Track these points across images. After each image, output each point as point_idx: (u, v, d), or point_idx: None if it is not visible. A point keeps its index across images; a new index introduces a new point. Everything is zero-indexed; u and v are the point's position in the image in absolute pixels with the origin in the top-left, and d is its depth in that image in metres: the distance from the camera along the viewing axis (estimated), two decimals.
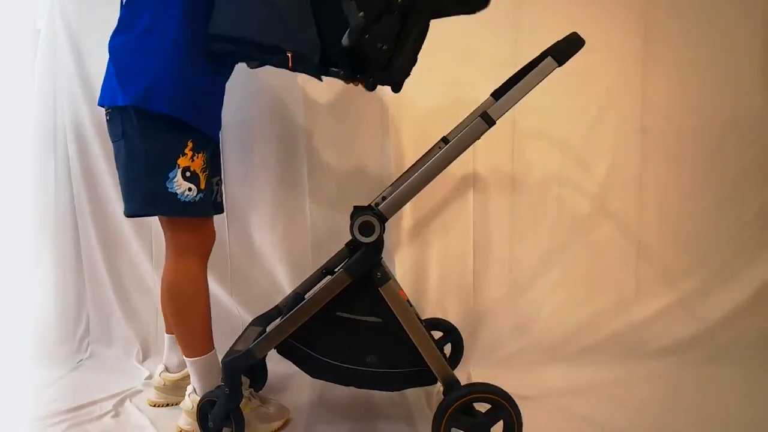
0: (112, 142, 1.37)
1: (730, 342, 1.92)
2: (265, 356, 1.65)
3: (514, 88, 1.22)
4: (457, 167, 1.96)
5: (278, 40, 1.21)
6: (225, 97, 1.48)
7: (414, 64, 1.31)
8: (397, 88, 1.31)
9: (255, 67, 1.52)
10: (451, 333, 1.81)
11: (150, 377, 1.75)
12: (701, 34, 1.95)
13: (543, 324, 1.96)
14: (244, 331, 1.50)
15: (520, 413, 1.24)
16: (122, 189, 1.37)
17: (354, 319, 1.31)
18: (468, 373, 1.80)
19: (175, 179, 1.29)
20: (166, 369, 1.63)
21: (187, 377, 1.54)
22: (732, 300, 1.97)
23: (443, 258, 2.00)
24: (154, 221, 1.94)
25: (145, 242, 2.00)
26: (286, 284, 1.97)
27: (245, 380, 1.55)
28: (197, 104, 1.32)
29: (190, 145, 1.30)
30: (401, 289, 1.54)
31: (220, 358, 1.40)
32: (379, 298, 1.27)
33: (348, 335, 1.32)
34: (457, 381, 1.27)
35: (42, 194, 1.97)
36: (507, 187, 1.98)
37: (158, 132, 1.28)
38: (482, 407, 1.25)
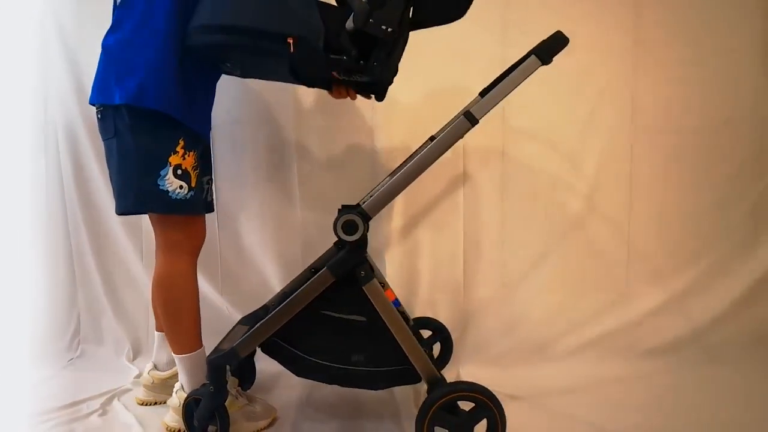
0: (103, 140, 1.38)
1: (722, 342, 1.92)
2: (254, 355, 1.67)
3: (497, 87, 1.23)
4: (448, 167, 1.96)
5: (279, 26, 1.17)
6: (216, 97, 1.48)
7: (396, 73, 1.31)
8: (382, 97, 1.32)
9: (239, 75, 1.46)
10: (440, 332, 1.81)
11: (139, 375, 1.75)
12: (694, 33, 1.95)
13: (533, 324, 1.96)
14: (231, 330, 1.50)
15: (503, 412, 1.23)
16: (114, 187, 1.38)
17: (339, 318, 1.31)
18: (457, 372, 1.80)
19: (167, 177, 1.30)
20: (155, 367, 1.63)
21: (175, 375, 1.55)
22: (724, 300, 1.97)
23: (434, 257, 2.00)
24: (145, 219, 1.95)
25: (136, 241, 2.00)
26: (276, 284, 1.97)
27: (234, 379, 1.55)
28: (189, 102, 1.32)
29: (181, 143, 1.31)
30: (389, 288, 1.55)
31: None
32: (363, 297, 1.27)
33: (333, 334, 1.32)
34: (441, 379, 1.27)
35: (32, 193, 1.97)
36: (498, 187, 1.98)
37: (150, 130, 1.28)
38: (467, 406, 1.25)
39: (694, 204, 2.00)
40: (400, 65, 1.33)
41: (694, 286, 1.98)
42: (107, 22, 1.33)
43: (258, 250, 2.00)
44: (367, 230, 1.27)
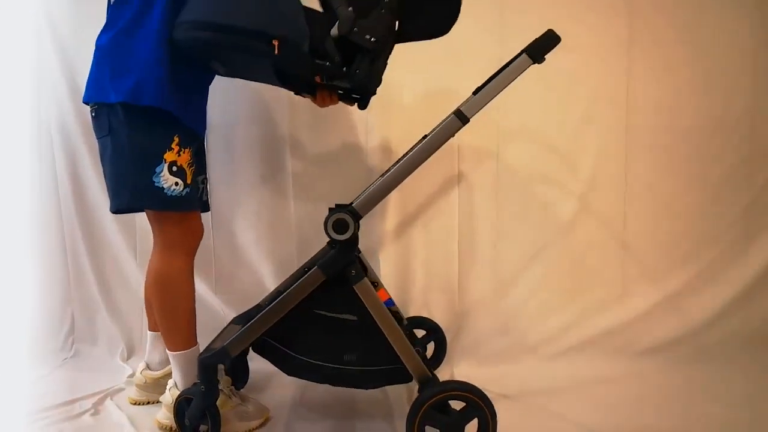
0: (98, 138, 1.38)
1: (716, 341, 1.92)
2: (246, 355, 1.66)
3: (488, 85, 1.23)
4: (443, 167, 1.96)
5: (265, 26, 1.17)
6: (210, 97, 1.48)
7: (379, 84, 1.32)
8: (364, 105, 1.33)
9: (224, 74, 1.45)
10: (434, 332, 1.81)
11: (132, 375, 1.75)
12: (687, 33, 1.95)
13: (527, 323, 1.96)
14: (223, 329, 1.50)
15: (494, 411, 1.23)
16: (108, 185, 1.38)
17: (330, 317, 1.31)
18: (451, 371, 1.80)
19: (162, 174, 1.30)
20: (148, 367, 1.63)
21: (168, 375, 1.55)
22: (717, 299, 1.97)
23: (428, 257, 2.00)
24: (139, 219, 1.95)
25: (130, 240, 2.00)
26: (270, 283, 1.96)
27: (227, 379, 1.55)
28: (184, 99, 1.32)
29: (176, 140, 1.31)
30: (382, 287, 1.55)
31: None
32: (355, 296, 1.27)
33: (325, 333, 1.32)
34: (433, 379, 1.27)
35: (27, 192, 1.97)
36: (492, 187, 1.98)
37: (145, 127, 1.28)
38: (459, 406, 1.25)
39: (687, 204, 2.00)
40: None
41: (688, 286, 1.98)
42: (101, 22, 1.33)
43: (252, 250, 2.00)
44: (358, 229, 1.27)
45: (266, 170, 1.98)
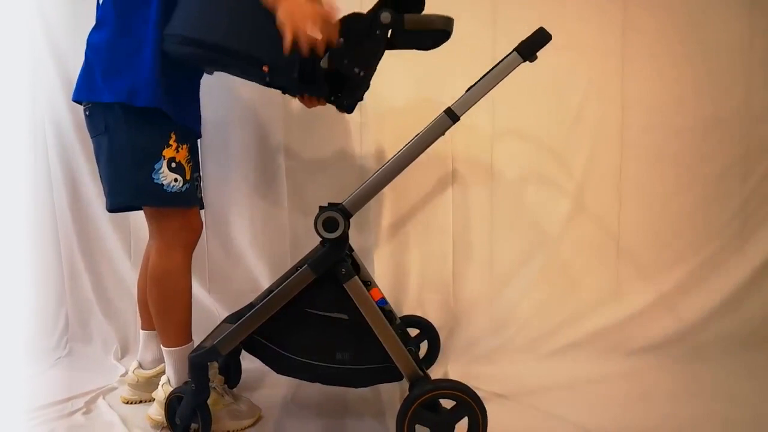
0: (92, 137, 1.38)
1: (711, 340, 1.91)
2: (239, 354, 1.66)
3: (478, 83, 1.22)
4: (437, 166, 1.96)
5: (257, 52, 1.20)
6: (202, 95, 1.49)
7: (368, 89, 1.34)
8: (351, 110, 1.34)
9: (211, 73, 1.48)
10: (428, 331, 1.81)
11: (125, 374, 1.75)
12: (681, 31, 1.94)
13: (522, 322, 1.95)
14: (216, 328, 1.50)
15: (485, 410, 1.22)
16: (105, 184, 1.38)
17: (321, 316, 1.31)
18: (445, 370, 1.80)
19: (161, 170, 1.31)
20: (140, 365, 1.63)
21: (160, 374, 1.54)
22: (712, 298, 1.96)
23: (423, 256, 2.00)
24: (133, 218, 1.95)
25: (125, 240, 2.00)
26: (264, 282, 1.96)
27: (220, 377, 1.55)
28: (177, 98, 1.33)
29: (173, 136, 1.32)
30: (375, 286, 1.54)
31: None
32: (346, 295, 1.27)
33: (316, 332, 1.31)
34: (423, 377, 1.26)
35: (21, 191, 1.97)
36: (486, 186, 1.98)
37: (142, 125, 1.29)
38: (449, 404, 1.24)
39: (682, 203, 1.99)
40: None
41: (683, 285, 1.98)
42: (94, 19, 1.33)
43: (246, 249, 2.00)
44: (348, 227, 1.26)
45: (260, 170, 1.98)
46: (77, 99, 1.37)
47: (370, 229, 1.97)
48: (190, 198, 1.39)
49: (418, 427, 1.23)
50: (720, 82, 1.96)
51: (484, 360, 1.88)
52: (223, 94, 1.90)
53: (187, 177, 1.36)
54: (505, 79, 1.24)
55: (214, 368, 1.50)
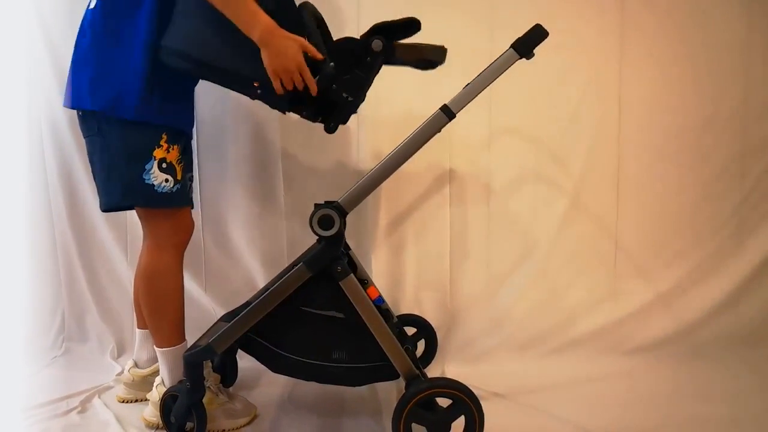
0: (85, 137, 1.39)
1: (709, 339, 1.91)
2: (235, 352, 1.66)
3: (474, 80, 1.22)
4: (434, 165, 1.95)
5: (248, 70, 1.21)
6: (200, 95, 1.48)
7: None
8: (334, 130, 1.35)
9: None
10: (425, 329, 1.80)
11: (121, 373, 1.74)
12: (679, 31, 1.94)
13: (519, 321, 1.95)
14: (211, 327, 1.49)
15: (481, 409, 1.22)
16: (98, 183, 1.39)
17: (317, 314, 1.30)
18: (442, 369, 1.79)
19: (152, 171, 1.31)
20: (135, 365, 1.63)
21: (155, 373, 1.54)
22: (710, 297, 1.96)
23: (420, 254, 1.99)
24: (130, 217, 1.95)
25: (121, 239, 1.99)
26: (261, 281, 1.96)
27: (216, 376, 1.54)
28: (168, 103, 1.33)
29: (164, 137, 1.33)
30: (372, 285, 1.54)
31: None
32: (341, 293, 1.26)
33: (312, 330, 1.31)
34: (419, 376, 1.26)
35: (16, 190, 1.96)
36: (484, 185, 1.97)
37: (133, 127, 1.30)
38: (446, 403, 1.24)
39: (679, 202, 1.99)
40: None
41: (681, 285, 1.97)
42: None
43: (243, 248, 1.99)
44: (344, 225, 1.26)
45: (257, 169, 1.97)
46: (67, 105, 1.38)
47: (367, 228, 1.97)
48: (181, 198, 1.40)
49: (414, 426, 1.23)
50: (718, 81, 1.95)
51: (481, 359, 1.87)
52: (220, 94, 1.89)
53: (178, 177, 1.36)
54: (502, 77, 1.23)
55: (208, 367, 1.49)
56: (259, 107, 1.91)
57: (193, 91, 1.48)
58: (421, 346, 1.79)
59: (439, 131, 1.24)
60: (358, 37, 1.28)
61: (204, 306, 1.97)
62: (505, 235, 1.98)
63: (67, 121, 1.91)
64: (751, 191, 1.99)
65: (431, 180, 1.97)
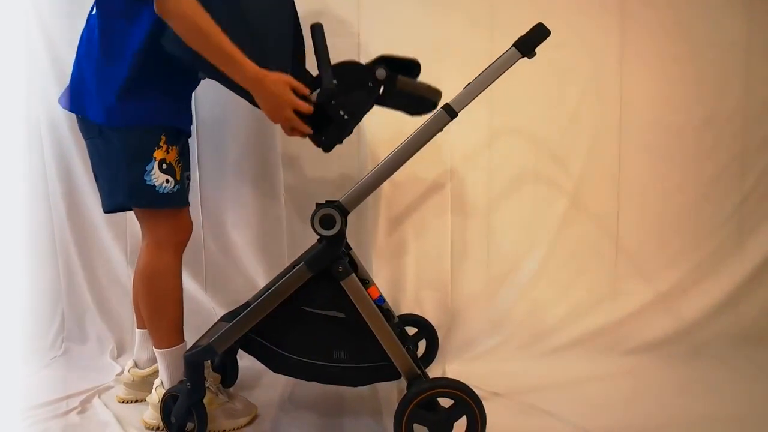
0: (87, 139, 1.40)
1: (709, 339, 1.91)
2: (236, 353, 1.66)
3: (476, 79, 1.22)
4: (435, 164, 1.95)
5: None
6: (200, 94, 1.48)
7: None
8: (329, 149, 1.34)
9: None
10: (425, 329, 1.80)
11: (121, 373, 1.74)
12: (680, 29, 1.94)
13: (520, 320, 1.95)
14: (212, 327, 1.49)
15: (483, 409, 1.22)
16: (101, 185, 1.41)
17: (318, 314, 1.30)
18: (443, 369, 1.79)
19: (153, 172, 1.32)
20: (135, 365, 1.62)
21: (155, 373, 1.53)
22: (711, 297, 1.96)
23: (420, 254, 1.99)
24: (129, 217, 1.94)
25: (120, 239, 1.98)
26: (261, 281, 1.95)
27: (216, 376, 1.54)
28: (165, 107, 1.34)
29: (163, 138, 1.33)
30: (373, 285, 1.53)
31: None
32: (342, 293, 1.26)
33: (312, 330, 1.30)
34: (420, 376, 1.26)
35: (16, 191, 1.96)
36: (484, 184, 1.97)
37: (133, 129, 1.30)
38: (447, 403, 1.23)
39: (680, 202, 1.99)
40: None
41: (681, 284, 1.97)
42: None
43: (243, 248, 1.99)
44: (345, 225, 1.26)
45: (257, 169, 1.97)
46: (66, 108, 1.39)
47: (368, 228, 1.96)
48: (181, 198, 1.41)
49: (416, 426, 1.22)
50: (718, 80, 1.95)
51: (482, 358, 1.87)
52: (220, 94, 1.88)
53: (178, 178, 1.37)
54: (502, 77, 1.23)
55: (207, 367, 1.49)
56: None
57: (191, 90, 1.48)
58: (422, 346, 1.79)
59: (441, 130, 1.24)
60: (364, 63, 1.32)
61: (204, 306, 1.96)
62: (505, 235, 1.98)
63: (66, 120, 1.91)
64: (751, 191, 1.99)
65: (432, 180, 1.97)
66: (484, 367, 1.80)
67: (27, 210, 1.97)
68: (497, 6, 1.89)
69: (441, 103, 1.33)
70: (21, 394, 1.67)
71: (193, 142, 1.91)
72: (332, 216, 1.23)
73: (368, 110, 1.35)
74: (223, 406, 1.45)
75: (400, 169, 1.26)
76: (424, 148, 1.26)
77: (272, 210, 1.98)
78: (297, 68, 1.35)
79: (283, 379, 1.56)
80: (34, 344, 1.95)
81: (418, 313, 1.88)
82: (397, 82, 1.29)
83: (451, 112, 1.22)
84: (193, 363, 1.30)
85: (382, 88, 1.29)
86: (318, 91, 1.26)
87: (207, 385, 1.39)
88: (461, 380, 1.24)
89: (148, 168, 1.31)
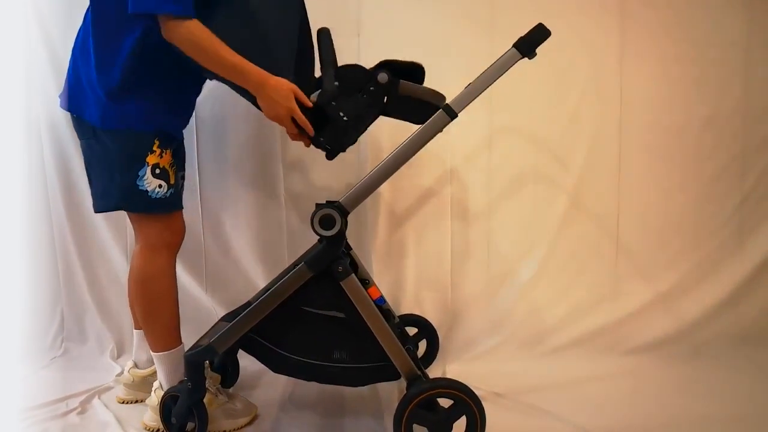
0: (81, 139, 1.39)
1: (708, 339, 1.91)
2: (236, 353, 1.65)
3: (476, 80, 1.22)
4: (435, 164, 1.95)
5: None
6: (201, 96, 1.48)
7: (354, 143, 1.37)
8: (332, 155, 1.35)
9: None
10: (426, 329, 1.80)
11: (121, 373, 1.74)
12: (680, 29, 1.94)
13: (520, 321, 1.95)
14: (212, 327, 1.49)
15: (483, 409, 1.22)
16: (95, 186, 1.40)
17: (318, 314, 1.30)
18: (443, 369, 1.79)
19: (145, 177, 1.32)
20: (135, 365, 1.62)
21: (155, 373, 1.53)
22: (711, 297, 1.96)
23: (421, 254, 1.99)
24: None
25: (120, 239, 1.98)
26: (262, 282, 1.95)
27: (215, 376, 1.54)
28: (159, 111, 1.33)
29: (157, 142, 1.33)
30: (373, 285, 1.54)
31: None
32: (342, 293, 1.26)
33: (312, 330, 1.31)
34: (420, 376, 1.26)
35: (16, 190, 1.95)
36: (484, 184, 1.97)
37: (126, 133, 1.31)
38: (447, 403, 1.24)
39: (681, 201, 1.99)
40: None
41: (681, 284, 1.98)
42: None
43: (244, 249, 1.99)
44: (345, 225, 1.26)
45: (257, 169, 1.97)
46: (63, 108, 1.38)
47: (368, 228, 1.96)
48: (174, 203, 1.41)
49: (415, 426, 1.22)
50: (718, 80, 1.95)
51: (483, 358, 1.87)
52: (220, 94, 1.89)
53: (171, 182, 1.37)
54: (502, 77, 1.23)
55: (206, 367, 1.48)
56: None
57: (191, 95, 1.48)
58: (422, 346, 1.79)
59: (441, 130, 1.24)
60: (367, 68, 1.31)
61: (204, 306, 1.96)
62: (506, 235, 1.98)
63: (65, 120, 1.90)
64: (751, 191, 1.99)
65: (432, 180, 1.97)
66: (484, 367, 1.80)
67: (26, 209, 1.97)
68: (497, 6, 1.89)
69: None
70: (20, 394, 1.67)
71: (193, 142, 1.92)
72: (332, 216, 1.23)
73: (372, 120, 1.35)
74: (223, 406, 1.45)
75: (401, 169, 1.26)
76: (424, 148, 1.26)
77: (272, 210, 1.98)
78: (302, 73, 1.34)
79: (283, 379, 1.56)
80: (33, 344, 1.95)
81: (418, 313, 1.88)
82: (400, 86, 1.28)
83: (450, 113, 1.22)
84: (194, 363, 1.30)
85: (385, 95, 1.28)
86: (319, 92, 1.26)
87: (206, 386, 1.39)
88: (461, 380, 1.24)
89: (140, 173, 1.31)
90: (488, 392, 1.60)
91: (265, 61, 1.22)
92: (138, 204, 1.34)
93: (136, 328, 1.62)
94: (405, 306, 1.96)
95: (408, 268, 1.99)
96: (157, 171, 1.33)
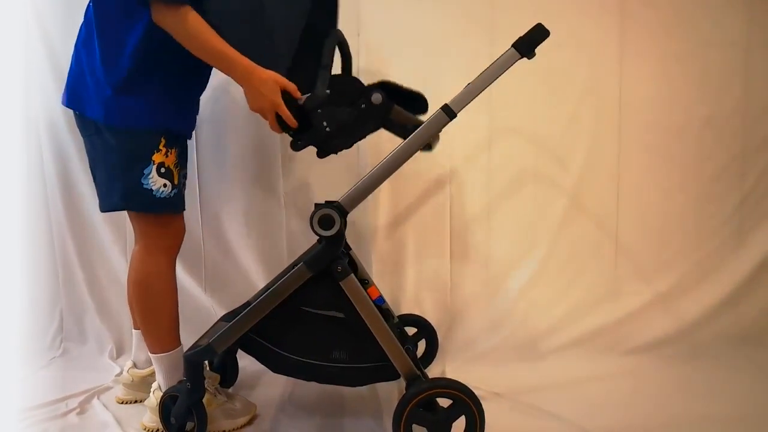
0: (85, 137, 1.38)
1: (708, 339, 1.91)
2: (236, 353, 1.65)
3: (475, 80, 1.21)
4: (435, 164, 1.95)
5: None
6: (202, 97, 1.48)
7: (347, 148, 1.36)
8: (322, 155, 1.33)
9: None
10: (425, 329, 1.80)
11: (120, 374, 1.73)
12: (679, 29, 1.94)
13: (519, 321, 1.94)
14: (211, 327, 1.49)
15: (482, 409, 1.21)
16: (98, 185, 1.38)
17: (317, 314, 1.30)
18: (443, 369, 1.78)
19: (150, 176, 1.30)
20: (134, 365, 1.62)
21: (154, 373, 1.53)
22: (710, 297, 1.96)
23: (420, 254, 1.99)
24: (128, 216, 1.94)
25: (120, 238, 1.98)
26: (261, 282, 1.95)
27: (215, 376, 1.54)
28: (165, 108, 1.32)
29: (163, 141, 1.32)
30: (373, 285, 1.53)
31: None
32: (341, 293, 1.25)
33: (312, 330, 1.30)
34: (419, 376, 1.25)
35: (14, 190, 1.95)
36: (484, 185, 1.97)
37: (131, 130, 1.29)
38: (446, 403, 1.23)
39: (680, 202, 1.99)
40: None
41: (681, 284, 1.97)
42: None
43: (243, 249, 1.99)
44: (345, 225, 1.25)
45: (257, 169, 1.97)
46: (64, 104, 1.37)
47: (368, 228, 1.96)
48: (178, 203, 1.40)
49: (415, 426, 1.22)
50: (718, 80, 1.95)
51: (482, 359, 1.87)
52: (220, 94, 1.89)
53: (175, 182, 1.36)
54: (502, 77, 1.22)
55: (205, 367, 1.48)
56: None
57: (195, 92, 1.47)
58: (421, 346, 1.78)
59: (440, 131, 1.24)
60: (364, 84, 1.29)
61: (204, 306, 1.96)
62: (505, 235, 1.98)
63: (65, 120, 1.91)
64: (751, 191, 1.99)
65: (431, 180, 1.97)
66: (484, 367, 1.80)
67: (25, 210, 1.97)
68: (497, 6, 1.89)
69: (441, 104, 1.34)
70: (19, 394, 1.66)
71: (192, 142, 1.91)
72: (331, 216, 1.23)
73: (363, 134, 1.33)
74: (222, 406, 1.45)
75: (400, 169, 1.25)
76: None
77: (272, 210, 1.98)
78: (306, 70, 1.31)
79: (282, 379, 1.55)
80: (32, 345, 1.95)
81: (417, 313, 1.88)
82: (392, 111, 1.26)
83: (450, 113, 1.22)
84: (193, 363, 1.30)
85: (378, 117, 1.26)
86: (309, 95, 1.23)
87: (205, 386, 1.39)
88: (461, 380, 1.24)
89: (146, 171, 1.30)
90: (488, 392, 1.60)
91: (256, 52, 1.20)
92: (141, 203, 1.32)
93: (135, 328, 1.62)
94: (404, 306, 1.96)
95: (408, 267, 1.99)
96: (162, 170, 1.32)
